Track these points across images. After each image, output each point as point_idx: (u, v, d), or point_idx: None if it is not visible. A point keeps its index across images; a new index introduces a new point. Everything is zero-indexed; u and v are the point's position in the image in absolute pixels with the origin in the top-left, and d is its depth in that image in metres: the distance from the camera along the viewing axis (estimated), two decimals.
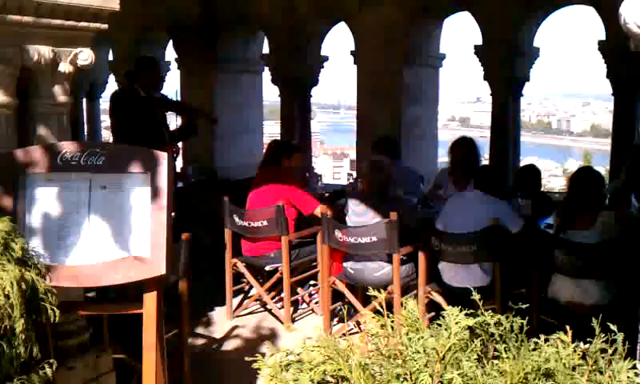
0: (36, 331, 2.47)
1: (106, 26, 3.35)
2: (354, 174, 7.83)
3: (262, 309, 5.93)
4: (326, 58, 8.90)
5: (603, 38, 6.73)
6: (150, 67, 6.21)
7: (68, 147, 2.81)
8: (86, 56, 3.33)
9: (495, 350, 1.57)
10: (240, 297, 5.99)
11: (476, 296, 1.71)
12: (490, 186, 4.93)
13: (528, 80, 7.65)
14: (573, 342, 1.65)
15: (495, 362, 1.51)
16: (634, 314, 3.70)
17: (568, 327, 1.67)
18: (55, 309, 2.51)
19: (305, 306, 5.96)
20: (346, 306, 5.44)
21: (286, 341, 5.23)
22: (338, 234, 5.09)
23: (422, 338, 1.46)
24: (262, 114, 9.98)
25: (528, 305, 1.80)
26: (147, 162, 2.73)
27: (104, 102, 6.73)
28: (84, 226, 2.76)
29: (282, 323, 5.56)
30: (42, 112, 3.22)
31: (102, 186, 2.76)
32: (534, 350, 1.54)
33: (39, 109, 3.22)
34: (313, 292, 5.99)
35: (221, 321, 5.64)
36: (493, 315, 1.61)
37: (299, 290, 5.84)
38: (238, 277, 5.85)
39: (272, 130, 18.49)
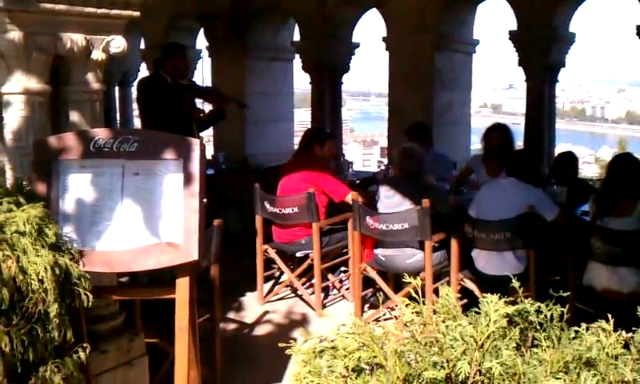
0: (70, 315, 2.50)
1: (138, 13, 3.35)
2: (385, 161, 7.78)
3: (292, 295, 5.94)
4: (357, 45, 8.84)
5: None
6: (175, 53, 6.15)
7: (101, 134, 2.82)
8: (118, 43, 3.34)
9: (534, 338, 1.53)
10: (271, 283, 6.01)
11: (516, 283, 1.67)
12: (524, 172, 4.85)
13: (564, 66, 7.50)
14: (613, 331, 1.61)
15: (535, 350, 1.48)
16: None
17: (610, 315, 1.62)
18: (88, 293, 2.53)
19: (335, 292, 5.96)
20: (380, 294, 5.42)
21: (317, 326, 5.24)
22: (369, 220, 5.06)
23: (460, 325, 1.43)
24: (292, 102, 9.95)
25: (568, 293, 1.75)
26: (180, 148, 2.73)
27: (136, 90, 6.72)
28: (116, 212, 2.77)
29: (312, 309, 5.56)
30: (75, 99, 3.24)
31: (135, 172, 2.76)
32: (575, 338, 1.50)
33: (72, 96, 3.24)
34: (343, 278, 5.97)
35: (252, 306, 5.66)
36: (532, 303, 1.57)
37: (330, 276, 5.83)
38: (268, 263, 5.86)
39: (302, 117, 18.48)
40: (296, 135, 9.90)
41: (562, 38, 7.24)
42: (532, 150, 6.52)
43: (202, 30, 9.30)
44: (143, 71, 8.94)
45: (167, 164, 2.74)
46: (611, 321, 1.59)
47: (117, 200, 2.77)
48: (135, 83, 9.05)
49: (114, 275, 3.27)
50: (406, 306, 1.72)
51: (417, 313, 1.56)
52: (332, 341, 1.61)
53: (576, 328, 1.56)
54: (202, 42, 9.30)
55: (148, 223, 2.74)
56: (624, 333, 1.59)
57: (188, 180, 2.70)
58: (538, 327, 1.53)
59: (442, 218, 4.97)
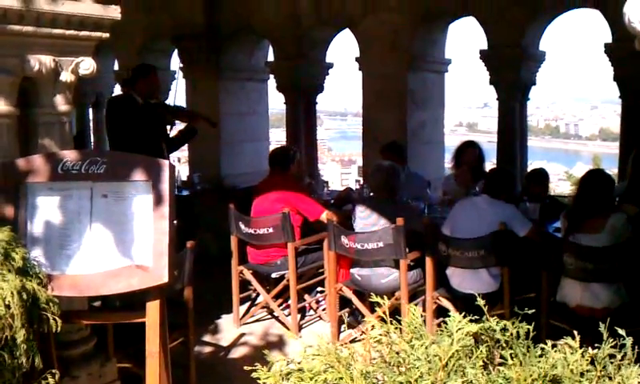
0: (38, 341, 2.46)
1: (107, 35, 3.34)
2: (362, 180, 7.79)
3: (268, 316, 5.90)
4: (330, 66, 8.87)
5: (609, 40, 6.67)
6: (147, 74, 6.14)
7: (69, 156, 2.79)
8: (87, 65, 3.32)
9: (501, 356, 1.53)
10: (247, 304, 5.96)
11: (480, 301, 1.67)
12: (501, 189, 4.89)
13: (534, 84, 7.58)
14: (582, 347, 1.61)
15: (501, 368, 1.47)
16: None
17: (576, 332, 1.63)
18: (57, 318, 2.49)
19: (312, 312, 5.93)
20: (354, 314, 5.41)
21: (293, 348, 5.19)
22: (344, 240, 5.06)
23: (424, 344, 1.43)
24: (267, 122, 9.95)
25: (534, 310, 1.76)
26: (149, 169, 2.71)
27: (106, 110, 6.66)
28: (85, 235, 2.75)
29: (289, 330, 5.52)
30: (44, 121, 3.21)
31: (104, 194, 2.74)
32: (541, 356, 1.50)
33: (41, 118, 3.20)
34: (320, 298, 5.95)
35: (228, 328, 5.61)
36: (499, 321, 1.57)
37: (306, 296, 5.80)
38: (244, 284, 5.82)
39: (278, 137, 18.50)
40: None
41: (531, 56, 7.33)
42: (507, 168, 6.57)
43: (175, 51, 9.29)
44: (117, 92, 8.88)
45: (136, 185, 2.72)
46: (577, 337, 1.59)
47: (86, 223, 2.74)
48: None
49: (85, 299, 3.22)
50: (372, 327, 1.71)
51: (386, 333, 1.55)
52: (299, 363, 1.59)
53: (542, 345, 1.56)
54: (176, 63, 9.29)
55: (117, 246, 2.71)
56: (590, 349, 1.59)
57: (158, 201, 2.68)
58: (505, 345, 1.53)
59: (417, 236, 4.99)
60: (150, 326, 2.73)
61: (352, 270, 5.28)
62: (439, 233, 4.89)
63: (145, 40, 9.34)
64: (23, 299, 2.37)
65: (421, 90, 7.82)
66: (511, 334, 1.54)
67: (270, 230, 5.43)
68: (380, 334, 1.57)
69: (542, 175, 6.05)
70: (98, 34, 3.31)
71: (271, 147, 8.76)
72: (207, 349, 5.17)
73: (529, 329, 1.59)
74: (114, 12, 3.31)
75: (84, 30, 3.19)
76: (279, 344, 5.33)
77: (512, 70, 7.24)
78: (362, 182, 7.19)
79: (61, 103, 3.25)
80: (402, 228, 4.78)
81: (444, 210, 5.90)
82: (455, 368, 1.37)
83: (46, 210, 2.78)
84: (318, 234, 5.66)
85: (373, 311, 5.15)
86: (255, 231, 5.52)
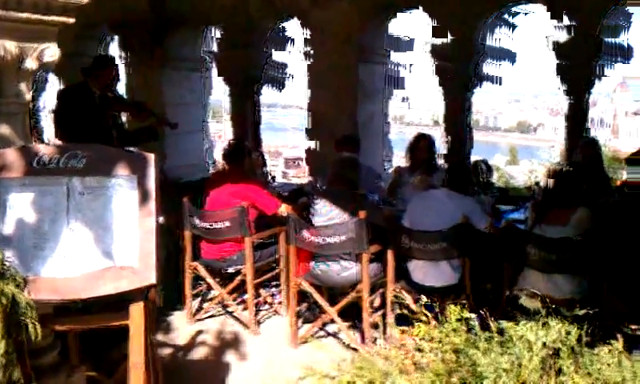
0: (17, 352, 2.27)
1: (73, 19, 3.13)
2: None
3: (222, 312, 5.74)
4: (270, 55, 8.72)
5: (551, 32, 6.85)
6: (106, 66, 5.98)
7: (45, 150, 2.59)
8: (52, 52, 3.10)
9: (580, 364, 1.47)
10: (197, 300, 5.79)
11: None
12: (462, 182, 4.93)
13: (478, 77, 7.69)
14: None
15: (562, 378, 1.41)
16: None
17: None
18: (37, 325, 2.31)
19: (267, 307, 5.82)
20: (311, 308, 5.36)
21: (252, 345, 5.09)
22: (305, 233, 4.97)
23: (494, 351, 1.36)
24: (208, 114, 9.74)
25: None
26: (134, 163, 2.55)
27: (58, 99, 6.34)
28: (63, 234, 2.55)
29: (245, 326, 5.39)
30: (7, 111, 2.97)
31: (84, 190, 2.55)
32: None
33: (4, 108, 2.96)
34: (275, 292, 5.85)
35: (181, 326, 5.43)
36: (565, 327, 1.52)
37: (261, 291, 5.70)
38: (193, 280, 5.64)
39: (216, 128, 18.22)
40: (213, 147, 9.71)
41: (478, 50, 7.42)
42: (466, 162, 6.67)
43: (116, 40, 8.94)
44: (52, 81, 8.45)
45: (120, 180, 2.55)
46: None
47: (63, 221, 2.55)
48: (43, 95, 8.58)
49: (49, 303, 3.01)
50: (403, 332, 1.64)
51: (431, 338, 1.47)
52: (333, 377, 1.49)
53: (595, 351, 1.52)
54: (115, 50, 8.94)
55: (99, 245, 2.54)
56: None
57: (144, 198, 2.53)
58: (568, 351, 1.48)
59: (376, 229, 4.96)
60: (135, 330, 2.57)
61: (311, 264, 5.20)
62: (401, 226, 4.88)
63: (83, 28, 8.93)
64: (2, 304, 2.18)
65: (370, 82, 7.81)
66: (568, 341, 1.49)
67: (227, 224, 5.29)
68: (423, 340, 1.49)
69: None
70: (64, 18, 3.09)
71: (223, 140, 8.58)
72: (165, 349, 4.96)
73: (581, 334, 1.54)
74: None
75: (51, 14, 2.97)
76: (236, 341, 5.20)
77: (458, 62, 7.32)
78: (309, 176, 7.14)
79: (25, 92, 3.02)
80: (364, 221, 4.74)
81: (398, 202, 5.92)
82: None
83: (20, 207, 2.56)
84: (271, 228, 5.56)
85: (331, 304, 5.10)
86: (211, 225, 5.36)
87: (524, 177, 12.94)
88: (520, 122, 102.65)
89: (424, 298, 2.27)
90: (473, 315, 1.89)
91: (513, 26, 7.46)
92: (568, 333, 1.48)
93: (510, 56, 7.54)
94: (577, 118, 7.05)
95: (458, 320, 1.76)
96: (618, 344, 1.54)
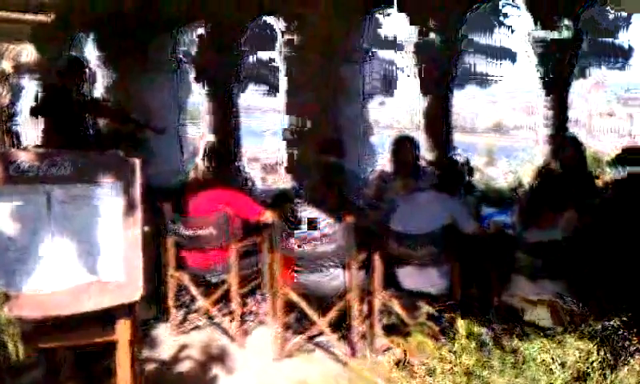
0: None
1: (51, 18, 2.98)
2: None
3: (207, 323, 5.56)
4: (247, 55, 8.63)
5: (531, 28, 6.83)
6: (82, 67, 5.78)
7: (24, 156, 2.42)
8: (28, 52, 2.95)
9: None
10: (181, 312, 5.61)
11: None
12: (453, 183, 4.86)
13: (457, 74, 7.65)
14: None
15: None
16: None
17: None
18: (18, 344, 2.16)
19: (252, 317, 5.65)
20: (299, 319, 5.21)
21: (239, 357, 4.94)
22: (290, 240, 4.84)
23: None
24: (184, 116, 9.56)
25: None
26: (118, 170, 2.39)
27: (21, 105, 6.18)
28: (44, 247, 2.40)
29: (230, 337, 5.22)
30: None
31: (65, 199, 2.39)
32: None
33: None
34: (260, 300, 5.70)
35: (165, 339, 5.24)
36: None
37: (246, 300, 5.53)
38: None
39: (194, 131, 18.02)
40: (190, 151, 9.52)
41: (453, 47, 7.36)
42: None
43: (91, 42, 8.75)
44: (27, 85, 8.23)
45: (103, 188, 2.40)
46: None
47: (44, 233, 2.39)
48: (32, 95, 8.37)
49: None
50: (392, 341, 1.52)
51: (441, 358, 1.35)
52: None
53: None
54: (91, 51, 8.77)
55: (83, 258, 2.39)
56: None
57: (129, 206, 2.38)
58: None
59: (362, 235, 4.84)
60: (122, 346, 2.42)
61: (297, 274, 5.04)
62: (389, 229, 4.78)
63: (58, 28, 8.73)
64: None
65: (352, 83, 7.71)
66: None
67: (211, 231, 5.13)
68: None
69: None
70: (40, 16, 2.95)
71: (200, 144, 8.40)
72: (150, 364, 4.77)
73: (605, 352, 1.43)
74: None
75: (29, 12, 2.82)
76: (223, 353, 5.03)
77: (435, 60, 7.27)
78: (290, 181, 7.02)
79: (1, 95, 2.86)
80: (351, 226, 4.63)
81: (383, 206, 5.80)
82: None
83: None
84: (251, 235, 5.41)
85: (319, 314, 4.96)
86: (195, 232, 5.19)
87: (503, 178, 12.92)
88: (496, 123, 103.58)
89: (427, 307, 2.15)
90: (483, 330, 1.77)
91: (496, 25, 7.46)
92: (589, 352, 1.37)
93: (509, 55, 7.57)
94: (556, 117, 7.04)
95: (468, 336, 1.64)
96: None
